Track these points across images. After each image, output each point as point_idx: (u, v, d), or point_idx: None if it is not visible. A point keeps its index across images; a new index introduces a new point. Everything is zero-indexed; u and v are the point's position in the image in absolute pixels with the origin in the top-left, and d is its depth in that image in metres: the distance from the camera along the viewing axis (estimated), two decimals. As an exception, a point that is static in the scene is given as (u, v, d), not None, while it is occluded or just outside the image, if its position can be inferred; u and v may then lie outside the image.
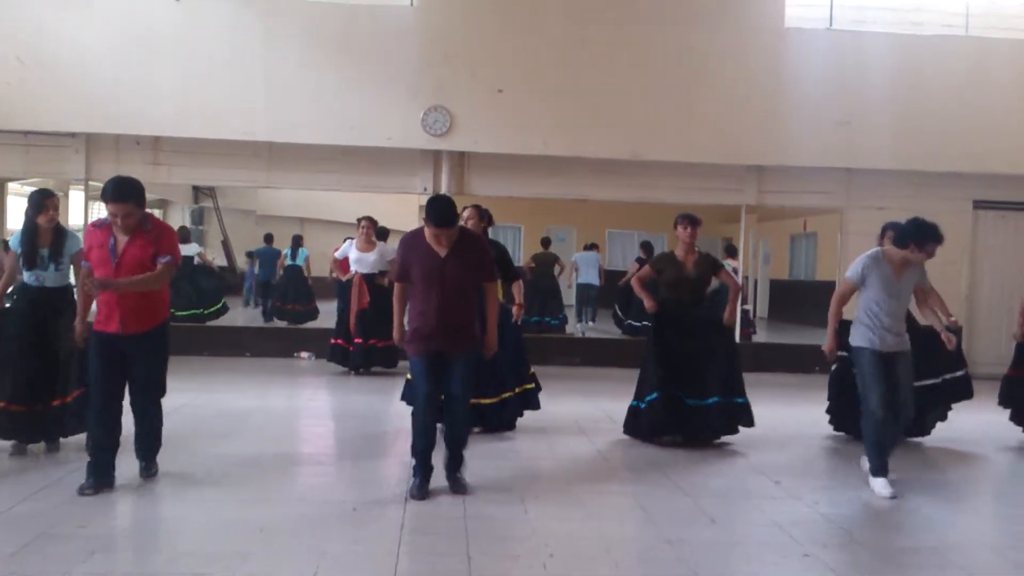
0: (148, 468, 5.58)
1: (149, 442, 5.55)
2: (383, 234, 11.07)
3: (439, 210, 5.26)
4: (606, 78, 11.29)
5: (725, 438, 7.21)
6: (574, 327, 14.78)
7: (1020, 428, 7.65)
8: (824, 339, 6.08)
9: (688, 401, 6.99)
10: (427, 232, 5.31)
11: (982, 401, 7.64)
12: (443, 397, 5.52)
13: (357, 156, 11.35)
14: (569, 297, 15.53)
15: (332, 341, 10.52)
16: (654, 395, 6.93)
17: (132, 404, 5.44)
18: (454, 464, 5.60)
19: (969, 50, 11.66)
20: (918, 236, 5.71)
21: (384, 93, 11.07)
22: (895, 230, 5.98)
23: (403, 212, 12.45)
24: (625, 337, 13.62)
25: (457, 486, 5.50)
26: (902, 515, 5.53)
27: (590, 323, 14.96)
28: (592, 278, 15.05)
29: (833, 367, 7.55)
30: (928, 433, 7.37)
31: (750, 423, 7.12)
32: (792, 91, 11.47)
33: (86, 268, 5.30)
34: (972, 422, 7.64)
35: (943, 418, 7.41)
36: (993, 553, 4.82)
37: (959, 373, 7.26)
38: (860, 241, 10.27)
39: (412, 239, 5.51)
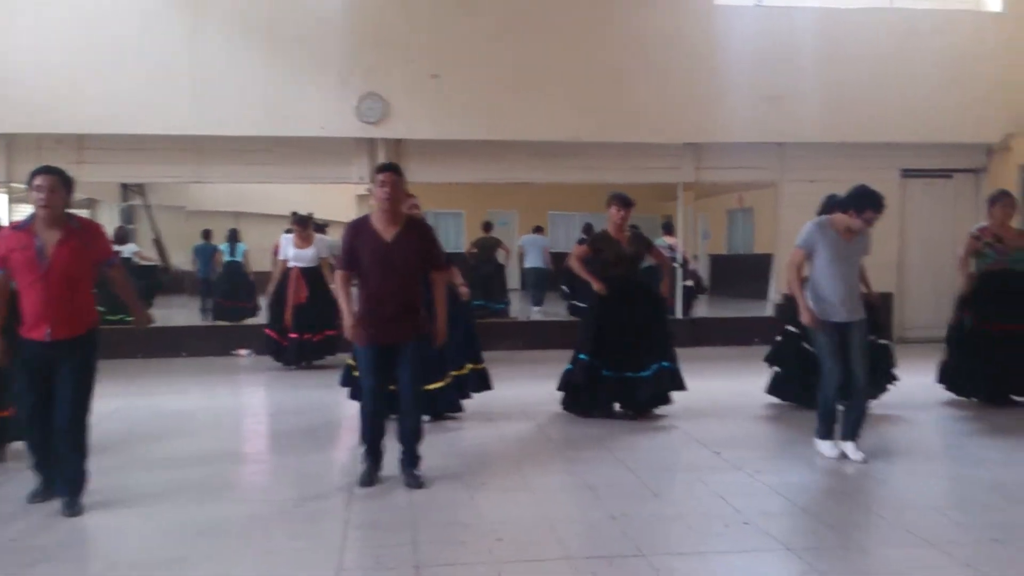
0: (72, 504, 4.90)
1: (75, 466, 4.91)
2: (320, 227, 10.92)
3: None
4: (541, 61, 11.28)
5: (666, 410, 7.33)
6: (527, 310, 14.81)
7: (944, 387, 7.92)
8: (765, 312, 6.16)
9: (624, 375, 7.12)
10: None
11: (915, 364, 7.83)
12: (392, 387, 5.47)
13: (290, 147, 11.18)
14: (514, 281, 15.53)
15: (267, 333, 10.35)
16: (584, 356, 7.09)
17: (57, 421, 4.85)
18: (411, 459, 5.52)
19: (894, 22, 11.90)
20: (858, 202, 5.80)
21: (315, 82, 10.91)
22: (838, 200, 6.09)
23: (340, 202, 12.31)
24: (570, 318, 13.66)
25: (414, 481, 5.42)
26: (842, 481, 5.65)
27: (537, 307, 14.98)
28: (539, 261, 15.07)
29: (778, 338, 7.67)
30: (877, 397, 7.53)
31: (682, 386, 7.28)
32: (724, 68, 11.59)
33: (3, 275, 4.93)
34: (904, 386, 7.79)
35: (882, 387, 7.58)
36: (936, 513, 4.92)
37: (881, 342, 7.43)
38: (795, 214, 10.44)
39: (358, 226, 5.44)
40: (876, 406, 7.51)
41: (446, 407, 7.14)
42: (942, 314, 8.00)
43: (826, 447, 6.06)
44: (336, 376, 7.53)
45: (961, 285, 7.75)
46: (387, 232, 5.33)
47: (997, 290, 7.56)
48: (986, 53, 11.91)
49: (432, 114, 11.08)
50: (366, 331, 5.34)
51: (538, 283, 15.21)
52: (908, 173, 12.37)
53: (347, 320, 5.39)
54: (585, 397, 7.27)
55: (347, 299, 5.42)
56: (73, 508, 4.91)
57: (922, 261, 12.24)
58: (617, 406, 7.35)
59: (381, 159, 11.09)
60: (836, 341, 5.92)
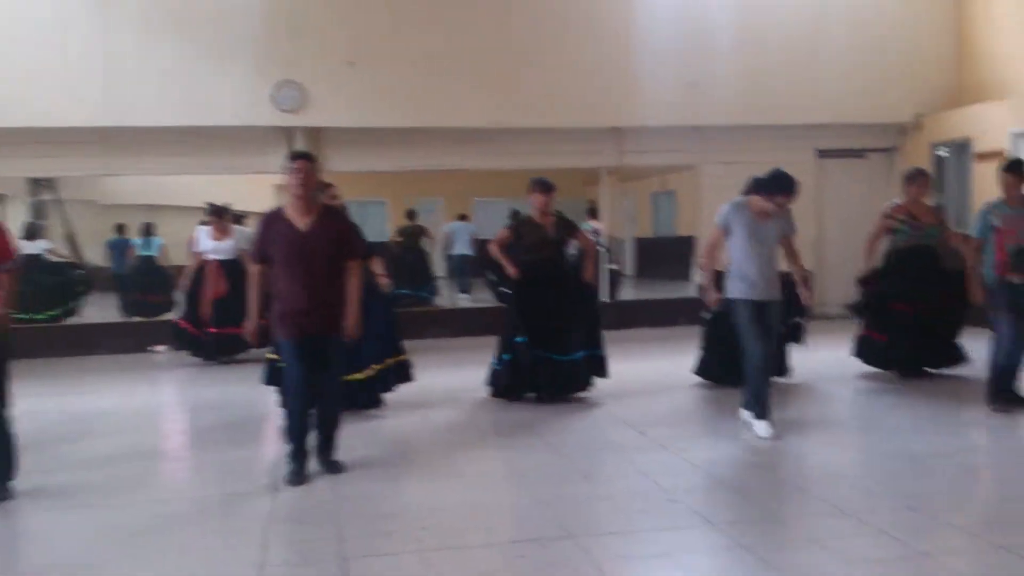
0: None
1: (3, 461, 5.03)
2: (237, 218, 10.68)
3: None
4: (460, 46, 11.21)
5: (594, 392, 7.38)
6: (454, 298, 14.75)
7: (861, 359, 8.09)
8: (689, 293, 6.24)
9: (554, 357, 7.12)
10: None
11: (834, 339, 8.02)
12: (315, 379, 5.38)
13: (204, 137, 10.90)
14: (440, 269, 15.46)
15: (180, 324, 10.08)
16: (521, 340, 7.06)
17: None
18: (328, 446, 5.47)
19: (807, 5, 12.11)
20: (768, 186, 5.90)
21: (229, 70, 10.66)
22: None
23: (259, 193, 12.08)
24: (498, 304, 13.65)
25: (332, 467, 5.38)
26: (762, 455, 5.75)
27: (464, 294, 14.94)
28: (466, 248, 15.02)
29: (707, 316, 7.75)
30: (785, 374, 7.70)
31: (604, 374, 7.35)
32: (644, 53, 11.66)
33: None
34: (821, 360, 7.98)
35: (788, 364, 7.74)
36: (851, 483, 5.05)
37: (796, 320, 7.59)
38: (715, 195, 10.51)
39: (271, 217, 5.33)
40: (795, 380, 7.68)
41: (367, 401, 7.05)
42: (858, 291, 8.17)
43: (761, 427, 6.02)
44: (258, 370, 7.38)
45: (867, 263, 7.92)
46: (301, 222, 5.23)
47: (910, 266, 7.76)
48: (896, 35, 12.22)
49: (351, 102, 10.92)
50: (285, 326, 5.23)
51: (464, 270, 15.18)
52: (824, 154, 12.65)
53: (251, 320, 5.33)
54: (518, 382, 7.22)
55: (256, 297, 5.34)
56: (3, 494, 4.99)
57: (839, 239, 12.51)
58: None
59: (300, 148, 10.91)
60: (756, 318, 6.02)
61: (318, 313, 5.23)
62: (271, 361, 6.74)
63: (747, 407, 6.15)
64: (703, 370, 7.83)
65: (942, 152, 12.16)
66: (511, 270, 7.22)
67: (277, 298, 5.27)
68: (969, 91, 11.97)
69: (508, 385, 7.27)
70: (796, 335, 7.76)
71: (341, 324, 5.33)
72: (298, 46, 10.82)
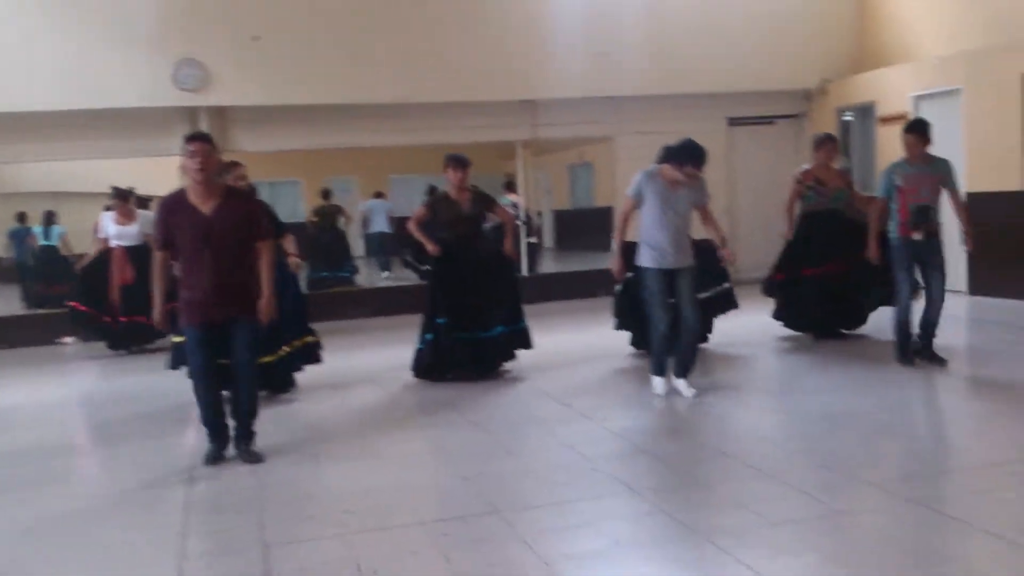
0: None
1: None
2: (143, 201, 10.32)
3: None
4: (367, 20, 11.00)
5: (516, 366, 7.39)
6: (373, 277, 14.58)
7: (780, 323, 8.25)
8: (608, 264, 6.27)
9: (475, 335, 7.10)
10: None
11: (749, 303, 8.15)
12: (224, 360, 5.24)
13: (104, 120, 10.51)
14: (358, 248, 15.25)
15: (76, 307, 9.64)
16: (441, 320, 7.00)
17: None
18: (245, 434, 5.33)
19: (713, -26, 12.22)
20: (678, 156, 5.94)
21: (127, 49, 10.27)
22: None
23: (164, 176, 11.67)
24: (419, 283, 13.54)
25: (249, 456, 5.25)
26: (684, 420, 5.84)
27: (385, 273, 14.78)
28: (383, 226, 14.84)
29: (617, 288, 7.79)
30: (706, 340, 7.80)
31: (527, 345, 7.35)
32: (554, 25, 11.64)
33: None
34: (741, 324, 8.11)
35: (710, 329, 7.85)
36: (770, 444, 5.15)
37: (725, 286, 7.70)
38: (629, 166, 10.53)
39: (172, 201, 5.12)
40: (714, 344, 7.80)
41: (280, 384, 6.91)
42: (771, 256, 8.32)
43: (657, 383, 6.29)
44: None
45: (787, 227, 8.08)
46: (205, 205, 5.05)
47: (819, 230, 7.92)
48: (802, 2, 12.42)
49: (257, 79, 10.64)
50: (190, 314, 5.07)
51: (383, 249, 15.02)
52: (734, 121, 12.84)
53: (157, 308, 5.17)
54: (441, 362, 7.15)
55: (162, 284, 5.16)
56: None
57: (751, 205, 12.76)
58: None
59: (205, 129, 10.57)
60: (664, 287, 6.09)
61: (226, 299, 5.07)
62: (177, 344, 6.57)
63: (652, 366, 6.33)
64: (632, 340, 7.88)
65: (848, 116, 12.45)
66: (431, 248, 7.13)
67: (183, 284, 5.09)
68: (872, 56, 12.26)
69: (430, 365, 7.19)
70: (728, 302, 7.81)
71: (252, 307, 5.19)
72: (199, 22, 10.47)
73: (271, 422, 5.96)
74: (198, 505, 4.61)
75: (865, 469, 4.64)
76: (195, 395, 5.27)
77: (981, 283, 10.08)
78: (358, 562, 3.70)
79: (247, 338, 5.20)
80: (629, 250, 6.30)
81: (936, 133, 6.66)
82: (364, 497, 4.56)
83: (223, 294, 5.06)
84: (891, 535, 3.73)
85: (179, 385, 6.92)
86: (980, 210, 9.92)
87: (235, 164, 6.48)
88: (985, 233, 9.78)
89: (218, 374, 5.24)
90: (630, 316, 7.59)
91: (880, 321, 7.85)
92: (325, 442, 5.71)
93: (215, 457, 5.22)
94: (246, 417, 5.33)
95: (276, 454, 5.36)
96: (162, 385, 7.54)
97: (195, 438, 5.66)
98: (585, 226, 17.83)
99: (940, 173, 6.59)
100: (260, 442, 5.41)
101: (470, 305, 7.07)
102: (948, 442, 5.34)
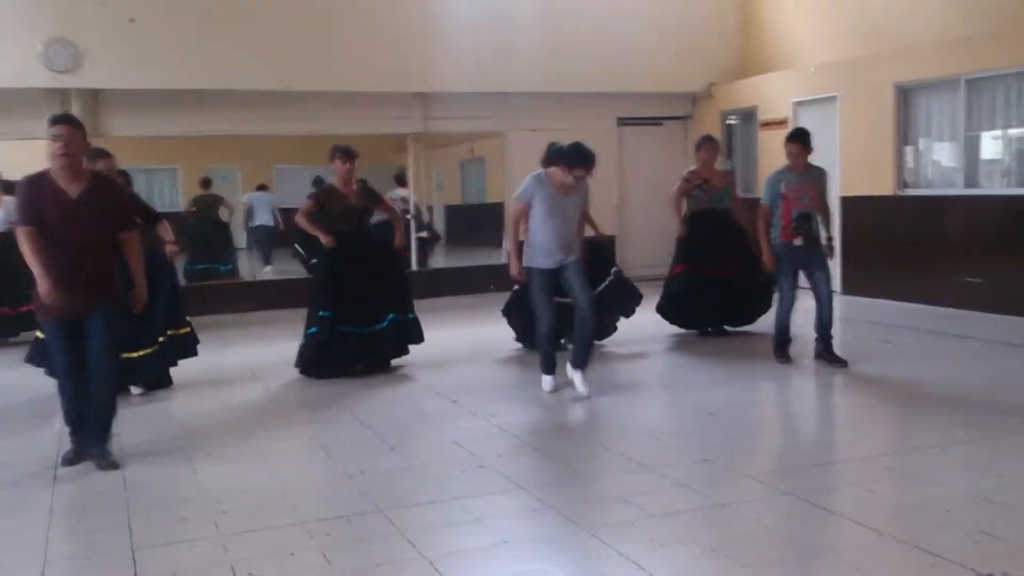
0: None
1: None
2: (9, 187, 9.73)
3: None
4: (251, 4, 10.68)
5: (404, 362, 7.30)
6: (255, 270, 14.16)
7: (664, 319, 8.39)
8: (500, 260, 6.25)
9: (362, 330, 6.98)
10: None
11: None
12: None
13: (-32, 101, 9.88)
14: (240, 240, 14.79)
15: None
16: (325, 313, 6.86)
17: None
18: (101, 436, 4.99)
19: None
20: (570, 159, 5.96)
21: (-6, 26, 9.68)
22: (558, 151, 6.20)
23: (32, 161, 11.05)
24: (304, 276, 13.23)
25: (105, 462, 4.92)
26: (569, 416, 5.88)
27: (268, 266, 14.38)
28: (267, 219, 14.43)
29: (515, 287, 7.77)
30: (608, 336, 7.86)
31: (420, 339, 7.30)
32: (448, 17, 11.56)
33: None
34: (628, 321, 8.18)
35: (612, 329, 7.91)
36: (652, 439, 5.21)
37: (613, 271, 7.78)
38: (521, 162, 10.65)
39: (36, 181, 4.78)
40: (605, 342, 7.85)
41: (153, 380, 6.64)
42: (660, 253, 8.46)
43: (546, 381, 6.32)
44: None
45: (678, 228, 8.21)
46: (71, 189, 4.76)
47: (704, 231, 8.07)
48: (691, 9, 12.68)
49: (132, 61, 10.18)
50: (47, 308, 4.78)
51: (267, 241, 14.60)
52: (623, 121, 13.02)
53: (44, 283, 4.69)
54: (325, 357, 6.98)
55: (41, 260, 4.71)
56: None
57: (640, 204, 12.95)
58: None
59: (76, 112, 10.03)
60: (549, 286, 6.14)
61: (88, 289, 4.79)
62: (40, 339, 6.23)
63: (541, 365, 6.37)
64: (518, 336, 7.87)
65: (731, 120, 12.79)
66: (325, 239, 6.94)
67: (40, 274, 4.74)
68: (755, 63, 12.63)
69: (313, 360, 7.01)
70: (628, 292, 7.88)
71: (111, 296, 4.91)
72: (72, 1, 9.93)
73: (142, 419, 5.71)
74: (61, 507, 4.37)
75: (743, 462, 4.75)
76: (59, 392, 4.98)
77: (854, 283, 10.50)
78: (232, 564, 3.56)
79: (105, 330, 4.87)
80: (521, 251, 6.31)
81: (814, 139, 6.87)
82: (241, 497, 4.40)
83: (86, 285, 4.77)
84: (768, 526, 3.82)
85: (39, 381, 6.56)
86: (854, 213, 10.42)
87: (105, 155, 6.19)
88: (858, 235, 10.31)
89: (84, 370, 4.95)
90: (516, 312, 7.61)
91: (764, 319, 8.06)
92: (201, 440, 5.48)
93: (75, 456, 4.95)
94: (103, 416, 4.99)
95: (148, 454, 5.13)
96: (24, 381, 7.11)
97: (59, 435, 5.34)
98: (476, 222, 17.77)
99: (818, 181, 6.82)
100: (131, 440, 5.18)
101: (356, 298, 6.94)
102: (823, 436, 5.51)
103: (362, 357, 7.09)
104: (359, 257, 7.02)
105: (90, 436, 4.98)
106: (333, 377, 6.96)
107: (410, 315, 7.24)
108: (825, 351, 6.87)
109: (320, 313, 6.90)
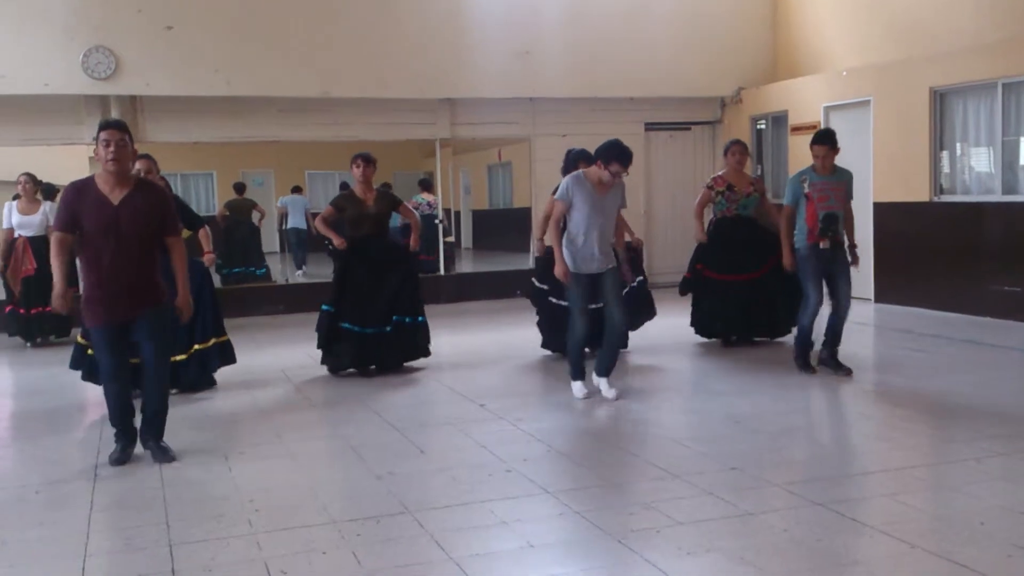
0: None
1: None
2: (50, 192, 9.95)
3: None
4: (284, 12, 10.83)
5: (430, 364, 7.40)
6: (288, 273, 14.33)
7: (695, 331, 8.33)
8: (527, 264, 6.29)
9: (363, 330, 7.13)
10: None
11: (664, 308, 8.26)
12: (134, 360, 5.11)
13: (11, 107, 10.14)
14: (273, 243, 14.97)
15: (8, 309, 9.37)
16: (328, 308, 7.14)
17: None
18: (155, 431, 5.17)
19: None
20: (605, 154, 5.96)
21: (37, 35, 9.96)
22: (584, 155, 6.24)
23: (72, 166, 11.26)
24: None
25: (161, 455, 5.08)
26: (596, 422, 5.90)
27: (300, 269, 14.54)
28: (301, 222, 14.61)
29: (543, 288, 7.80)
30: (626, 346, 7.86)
31: (427, 342, 7.41)
32: (475, 24, 11.64)
33: None
34: (656, 327, 8.20)
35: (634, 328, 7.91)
36: (680, 446, 5.22)
37: (638, 279, 7.79)
38: (548, 168, 10.67)
39: (81, 187, 4.92)
40: (629, 348, 7.86)
41: (194, 381, 6.79)
42: (687, 259, 8.43)
43: (577, 388, 6.35)
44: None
45: (696, 234, 8.20)
46: (114, 195, 4.88)
47: (728, 238, 8.00)
48: (719, 13, 12.67)
49: (169, 68, 10.37)
50: (93, 313, 4.90)
51: (300, 244, 14.76)
52: (651, 127, 13.02)
53: (58, 288, 4.91)
54: (332, 349, 7.23)
55: (61, 265, 4.90)
56: None
57: (667, 209, 12.97)
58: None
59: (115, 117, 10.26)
60: (588, 293, 6.15)
61: (132, 294, 4.90)
62: (81, 346, 6.38)
63: (571, 372, 6.41)
64: (544, 341, 7.89)
65: (761, 125, 12.76)
66: (337, 241, 7.15)
67: (86, 282, 4.90)
68: (786, 67, 12.60)
69: (327, 353, 7.26)
70: (646, 304, 7.87)
71: (158, 301, 5.03)
72: (110, 10, 10.18)
73: (180, 419, 5.82)
74: (102, 503, 4.49)
75: (771, 471, 4.74)
76: (105, 395, 5.13)
77: (887, 291, 10.41)
78: (266, 561, 3.65)
79: (155, 334, 5.02)
80: (544, 256, 6.34)
81: (846, 144, 6.79)
82: (274, 496, 4.49)
83: (130, 290, 4.90)
84: (796, 537, 3.81)
85: (82, 380, 6.72)
86: (888, 220, 10.33)
87: (145, 157, 6.33)
88: (892, 242, 10.23)
89: (129, 374, 5.10)
90: (547, 318, 7.65)
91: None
92: (234, 440, 5.61)
93: (121, 456, 5.06)
94: (157, 415, 5.17)
95: (185, 453, 5.23)
96: (66, 380, 7.28)
97: (101, 434, 5.50)
98: (503, 227, 17.83)
99: (845, 183, 6.76)
100: (169, 439, 5.26)
101: (361, 299, 7.12)
102: (853, 446, 5.49)
103: (369, 359, 7.23)
104: (372, 262, 7.19)
105: (147, 432, 5.14)
106: (358, 378, 7.12)
107: (419, 319, 7.33)
108: (831, 358, 6.82)
109: (324, 307, 7.19)
